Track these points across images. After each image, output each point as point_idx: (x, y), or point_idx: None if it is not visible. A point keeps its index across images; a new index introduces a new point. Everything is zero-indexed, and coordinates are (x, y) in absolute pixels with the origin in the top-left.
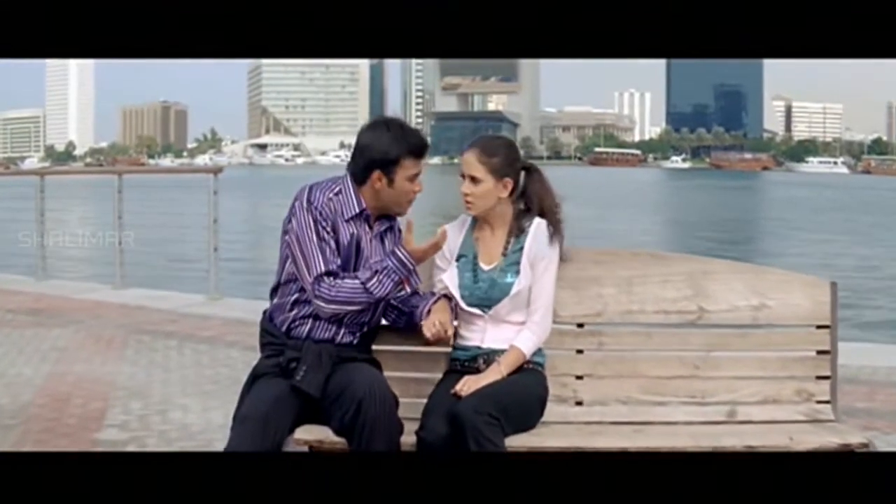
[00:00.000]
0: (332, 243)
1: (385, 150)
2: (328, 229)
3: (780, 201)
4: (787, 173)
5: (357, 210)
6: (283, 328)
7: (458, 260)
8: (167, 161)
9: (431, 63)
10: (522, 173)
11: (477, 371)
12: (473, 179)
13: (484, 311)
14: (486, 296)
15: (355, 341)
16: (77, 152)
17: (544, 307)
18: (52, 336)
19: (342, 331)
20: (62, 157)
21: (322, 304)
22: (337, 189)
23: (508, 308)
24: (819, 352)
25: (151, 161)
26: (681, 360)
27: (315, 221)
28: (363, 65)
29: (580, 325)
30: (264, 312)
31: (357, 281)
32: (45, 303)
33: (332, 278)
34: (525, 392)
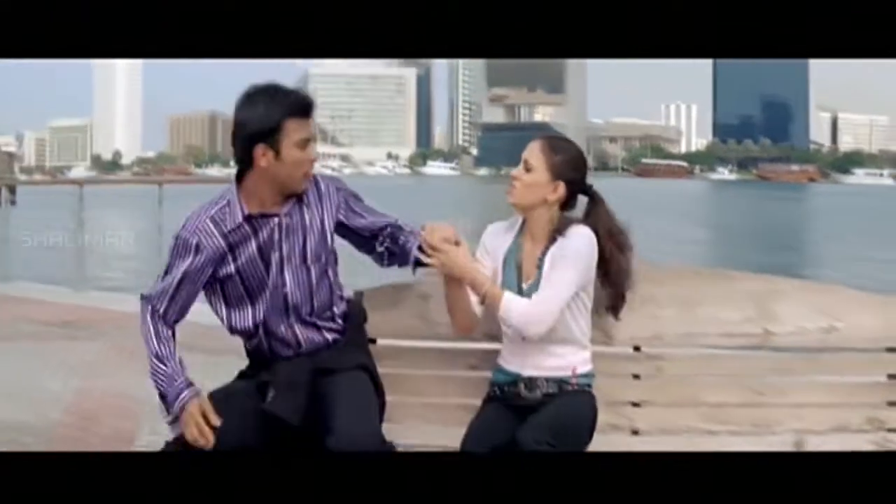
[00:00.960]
0: (174, 285)
1: (261, 117)
2: (197, 260)
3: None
4: (833, 185)
5: (239, 219)
6: (250, 350)
7: (503, 265)
8: (214, 171)
9: (478, 74)
10: (585, 198)
11: (518, 396)
12: (527, 165)
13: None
14: None
15: (332, 340)
16: (124, 161)
17: (549, 296)
18: (84, 349)
19: (302, 338)
20: (109, 167)
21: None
22: (223, 203)
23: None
24: (890, 376)
25: (199, 170)
26: (745, 386)
27: (175, 255)
28: (410, 75)
29: (636, 349)
30: None
31: (154, 346)
32: (79, 314)
33: (147, 305)
34: (577, 416)
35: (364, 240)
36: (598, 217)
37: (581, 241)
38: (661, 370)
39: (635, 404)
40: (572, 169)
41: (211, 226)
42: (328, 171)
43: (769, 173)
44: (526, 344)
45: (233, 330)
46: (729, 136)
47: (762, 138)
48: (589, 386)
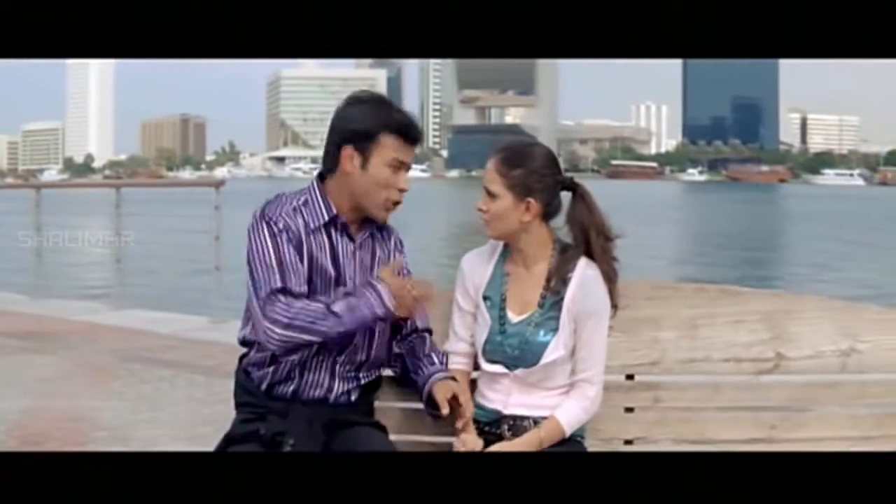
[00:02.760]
0: (295, 261)
1: (359, 121)
2: (292, 243)
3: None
4: (804, 186)
5: (326, 217)
6: (263, 386)
7: (483, 301)
8: (186, 174)
9: (449, 76)
10: (566, 194)
11: (500, 438)
12: (489, 193)
13: (509, 370)
14: (514, 355)
15: (353, 398)
16: (96, 164)
17: (597, 373)
18: (39, 364)
19: (336, 386)
20: (81, 170)
21: (272, 329)
22: (303, 199)
23: (540, 375)
24: None
25: (170, 173)
26: (755, 419)
27: (271, 236)
28: (381, 77)
29: (630, 377)
30: (240, 360)
31: (320, 304)
32: (38, 325)
33: (287, 296)
34: None
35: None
36: (582, 214)
37: (598, 287)
38: (659, 401)
39: (628, 441)
40: (538, 178)
41: (296, 216)
42: (299, 174)
43: (739, 174)
44: (510, 381)
45: (245, 345)
46: (699, 138)
47: (732, 139)
48: (581, 437)
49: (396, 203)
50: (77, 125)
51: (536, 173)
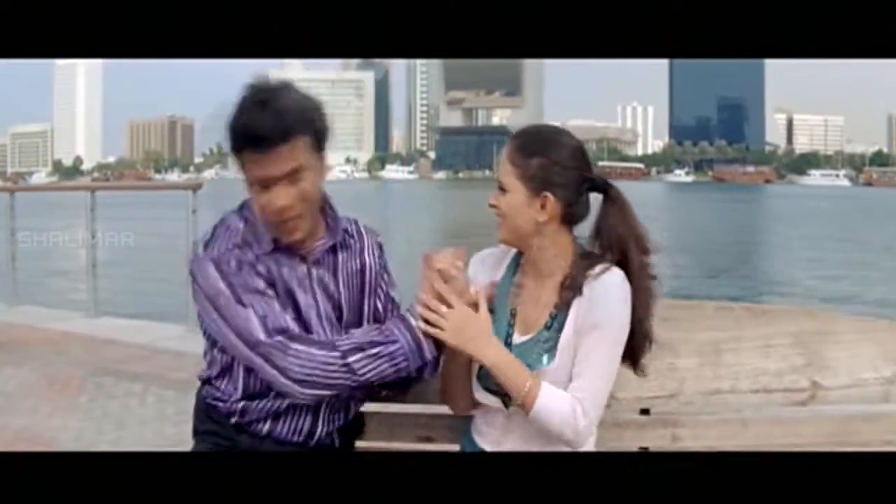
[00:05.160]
0: (269, 291)
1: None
2: (259, 277)
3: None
4: (790, 186)
5: (265, 247)
6: (233, 420)
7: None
8: (174, 176)
9: (436, 77)
10: (595, 197)
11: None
12: (501, 186)
13: (505, 405)
14: None
15: (336, 441)
16: (84, 167)
17: (590, 397)
18: (3, 377)
19: (319, 430)
20: (70, 172)
21: (294, 387)
22: (241, 220)
23: None
24: None
25: (158, 176)
26: None
27: (227, 278)
28: (368, 80)
29: (645, 412)
30: (203, 383)
31: (334, 353)
32: (8, 334)
33: (287, 339)
34: None
35: None
36: (618, 221)
37: (614, 297)
38: (678, 439)
39: None
40: (559, 170)
41: (233, 258)
42: None
43: (725, 175)
44: (505, 419)
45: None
46: (685, 138)
47: (718, 140)
48: None
49: (278, 224)
50: (65, 127)
51: (558, 164)
